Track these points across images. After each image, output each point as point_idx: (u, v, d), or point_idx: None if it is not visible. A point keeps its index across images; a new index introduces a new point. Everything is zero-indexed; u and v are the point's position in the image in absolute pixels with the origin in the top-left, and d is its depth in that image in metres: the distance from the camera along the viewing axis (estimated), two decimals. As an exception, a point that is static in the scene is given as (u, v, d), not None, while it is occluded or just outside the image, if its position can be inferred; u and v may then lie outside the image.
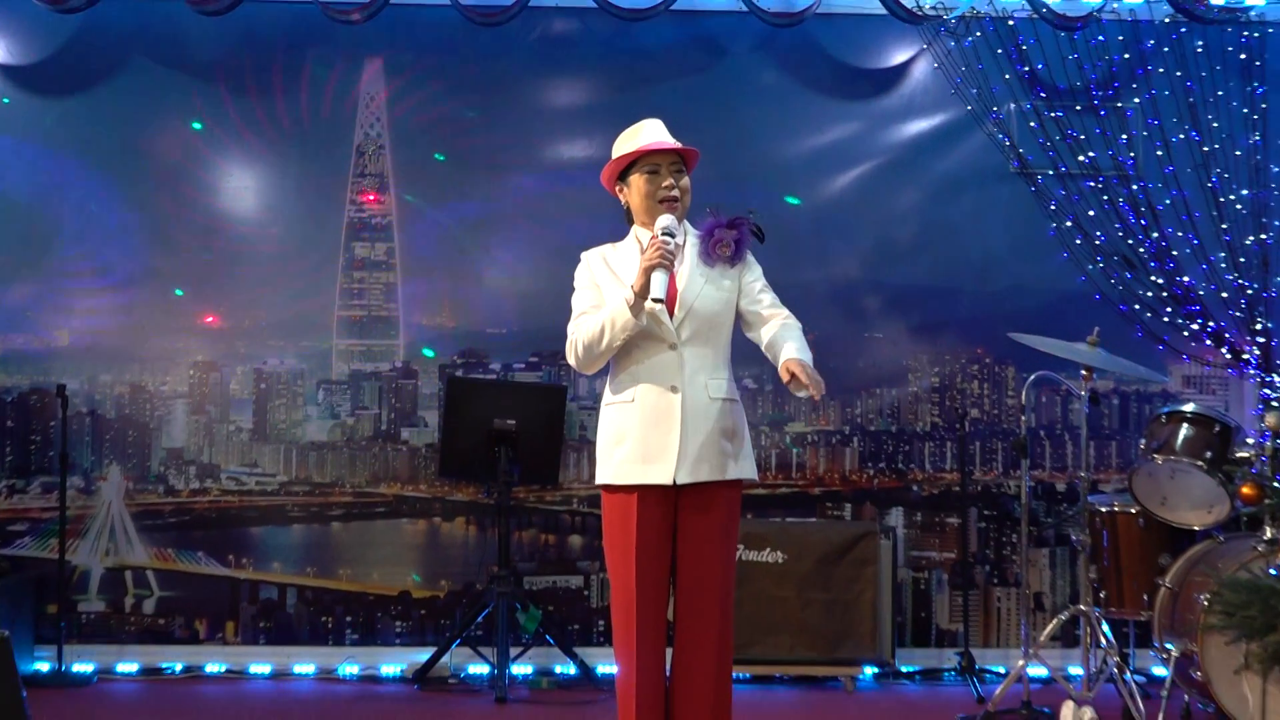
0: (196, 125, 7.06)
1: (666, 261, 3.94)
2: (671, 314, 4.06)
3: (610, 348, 4.06)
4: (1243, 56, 7.08)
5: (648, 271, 3.94)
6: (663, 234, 4.01)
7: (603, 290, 4.16)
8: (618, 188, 4.26)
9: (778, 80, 7.20)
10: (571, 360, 4.15)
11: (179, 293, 7.05)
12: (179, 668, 6.84)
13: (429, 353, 7.15)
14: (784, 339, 4.07)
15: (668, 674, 4.07)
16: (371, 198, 7.09)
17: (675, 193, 4.14)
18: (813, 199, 7.17)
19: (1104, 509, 6.06)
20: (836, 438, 7.19)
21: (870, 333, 7.21)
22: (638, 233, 4.24)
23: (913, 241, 7.19)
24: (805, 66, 7.19)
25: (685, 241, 4.19)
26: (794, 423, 7.19)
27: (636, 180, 4.16)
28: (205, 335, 7.10)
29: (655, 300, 3.90)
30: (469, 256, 7.13)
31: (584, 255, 4.27)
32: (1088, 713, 5.49)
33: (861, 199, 7.18)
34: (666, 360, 4.06)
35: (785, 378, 3.92)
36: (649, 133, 4.19)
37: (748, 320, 4.19)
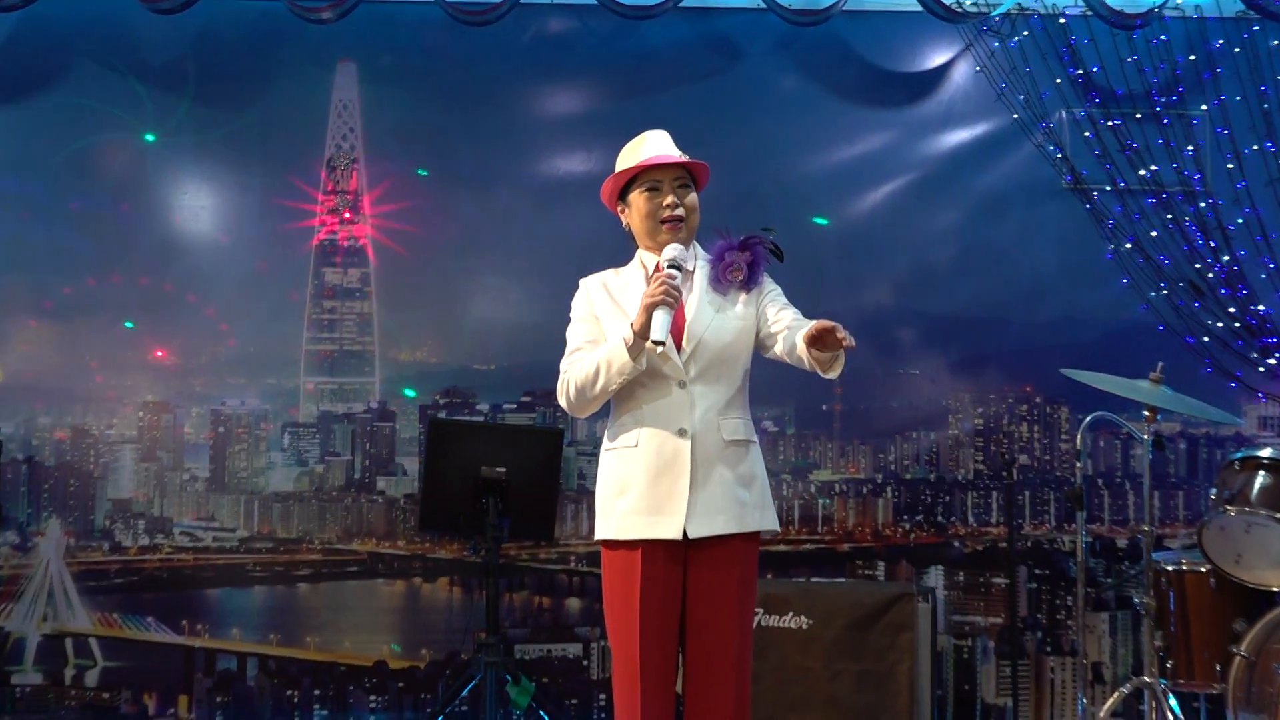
0: (149, 137, 7.09)
1: (670, 299, 3.94)
2: (679, 348, 4.07)
3: (605, 391, 4.06)
4: (1323, 58, 7.13)
5: (649, 309, 3.94)
6: (668, 265, 4.00)
7: (602, 322, 4.16)
8: (619, 208, 4.27)
9: (800, 86, 7.23)
10: (563, 402, 4.15)
11: (128, 325, 7.06)
12: (125, 748, 6.83)
13: (409, 392, 7.16)
14: (801, 325, 4.07)
15: (677, 755, 4.07)
16: (345, 217, 7.14)
17: (679, 212, 4.14)
18: (840, 218, 7.18)
19: (1170, 567, 6.03)
20: (868, 487, 7.18)
21: (905, 369, 7.22)
22: (642, 257, 4.24)
23: (953, 266, 7.20)
24: (831, 70, 7.22)
25: (695, 267, 4.20)
26: (820, 470, 7.18)
27: (636, 199, 4.16)
28: (157, 372, 7.10)
29: (656, 343, 3.90)
30: (454, 284, 7.15)
31: (582, 282, 4.27)
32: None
33: (895, 218, 7.20)
34: (674, 400, 4.05)
35: (806, 342, 3.88)
36: (651, 145, 4.20)
37: (767, 345, 4.19)
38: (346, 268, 7.14)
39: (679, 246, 4.08)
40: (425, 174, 7.15)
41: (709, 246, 4.24)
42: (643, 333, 3.95)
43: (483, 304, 7.16)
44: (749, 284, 4.17)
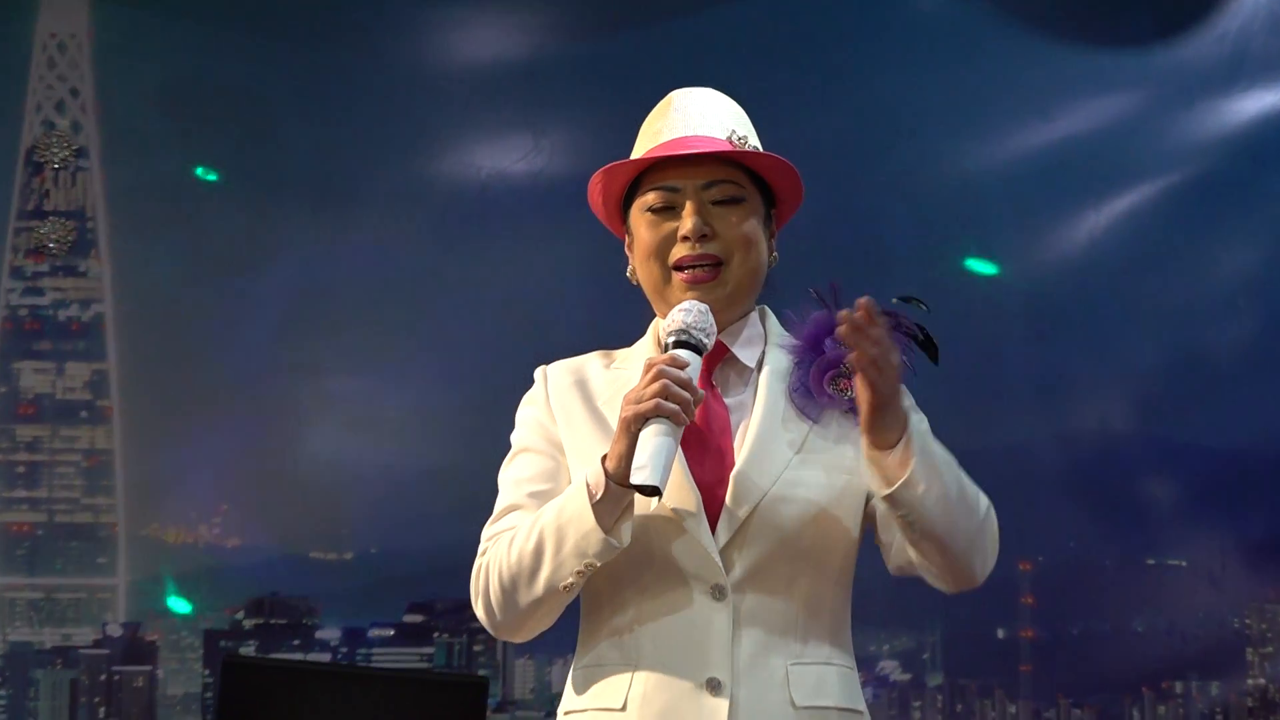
0: None
1: (671, 407, 3.74)
2: (715, 520, 3.87)
3: (555, 590, 3.81)
4: None
5: (630, 426, 3.74)
6: (674, 342, 3.80)
7: (571, 457, 3.99)
8: (626, 237, 4.14)
9: (950, 7, 7.32)
10: (478, 608, 3.90)
11: None
12: None
13: (179, 605, 7.15)
14: None
15: None
16: (62, 263, 7.16)
17: (712, 250, 3.97)
18: (1026, 262, 7.28)
19: None
20: (1103, 793, 7.21)
21: (1159, 556, 7.29)
22: (659, 328, 4.09)
23: (1251, 354, 7.23)
24: (1011, -23, 7.25)
25: (763, 352, 4.01)
26: (1004, 757, 7.19)
27: (637, 222, 4.01)
28: None
29: (642, 490, 3.69)
30: (275, 385, 7.18)
31: (539, 374, 4.08)
32: None
33: (1134, 262, 7.30)
34: (700, 619, 3.81)
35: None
36: (675, 120, 4.06)
37: (886, 524, 4.00)
38: (62, 362, 7.15)
39: (697, 308, 3.87)
40: (215, 178, 7.15)
41: (794, 322, 4.05)
42: (621, 473, 3.74)
43: (330, 431, 7.18)
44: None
